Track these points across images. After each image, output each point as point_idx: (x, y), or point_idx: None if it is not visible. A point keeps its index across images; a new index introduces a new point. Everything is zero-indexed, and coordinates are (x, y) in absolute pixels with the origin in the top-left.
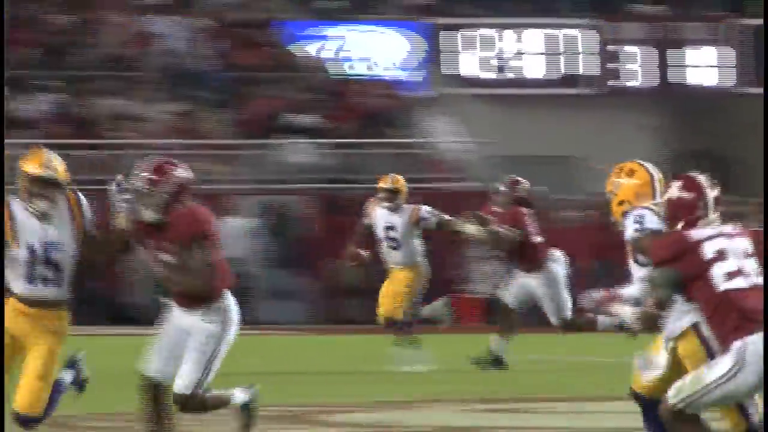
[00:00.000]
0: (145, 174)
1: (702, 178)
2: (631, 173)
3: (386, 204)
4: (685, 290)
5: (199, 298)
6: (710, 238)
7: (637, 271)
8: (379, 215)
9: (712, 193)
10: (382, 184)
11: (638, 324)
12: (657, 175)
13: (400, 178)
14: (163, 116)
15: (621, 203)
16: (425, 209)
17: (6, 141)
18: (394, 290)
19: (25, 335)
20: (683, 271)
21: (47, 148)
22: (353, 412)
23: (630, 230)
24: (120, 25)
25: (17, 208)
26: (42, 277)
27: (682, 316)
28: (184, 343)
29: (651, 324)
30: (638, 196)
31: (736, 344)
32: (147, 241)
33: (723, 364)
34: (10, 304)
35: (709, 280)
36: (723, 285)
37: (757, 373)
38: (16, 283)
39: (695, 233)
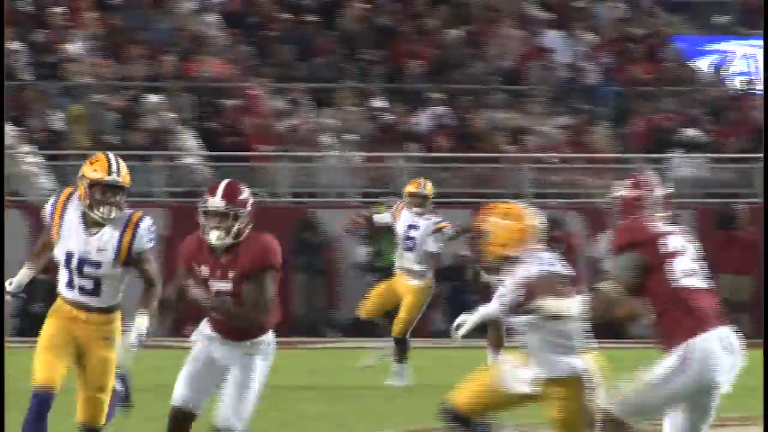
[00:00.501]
0: (228, 197)
1: (651, 178)
2: (508, 215)
3: (416, 209)
4: (643, 281)
5: (246, 332)
6: (669, 233)
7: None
8: (405, 217)
9: (658, 192)
10: (412, 189)
11: (591, 312)
12: (536, 222)
13: (430, 184)
14: (550, 130)
15: (501, 246)
16: (450, 227)
17: (394, 154)
18: (407, 308)
19: (82, 341)
20: (644, 258)
21: (432, 162)
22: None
23: (535, 268)
24: (509, 38)
25: (72, 209)
26: (80, 286)
27: (561, 356)
28: (218, 376)
29: (604, 310)
30: (515, 241)
31: (681, 346)
32: (202, 267)
33: (666, 362)
34: (58, 304)
35: (665, 273)
36: (680, 281)
37: (698, 379)
38: (61, 284)
39: (654, 226)
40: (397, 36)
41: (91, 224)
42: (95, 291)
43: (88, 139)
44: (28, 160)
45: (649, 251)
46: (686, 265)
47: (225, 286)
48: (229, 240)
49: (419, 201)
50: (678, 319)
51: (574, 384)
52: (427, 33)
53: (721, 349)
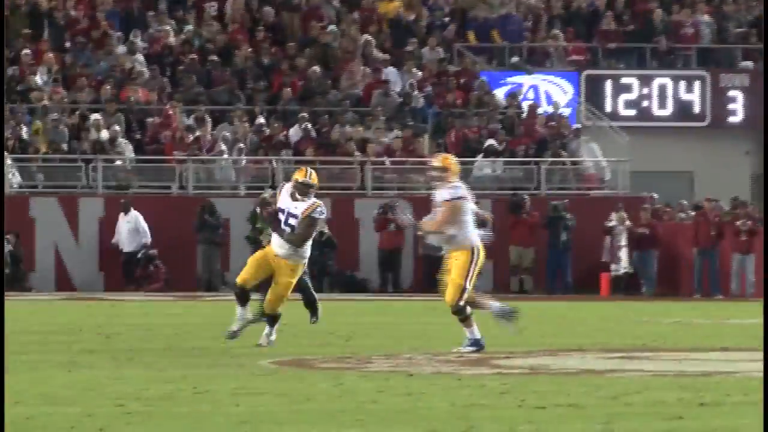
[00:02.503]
0: None
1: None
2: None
3: (300, 197)
4: None
5: None
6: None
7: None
8: (284, 201)
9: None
10: (300, 177)
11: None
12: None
13: (315, 174)
14: (387, 140)
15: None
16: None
17: (272, 158)
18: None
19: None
20: None
21: (298, 164)
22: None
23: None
24: (358, 73)
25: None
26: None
27: None
28: None
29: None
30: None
31: None
32: None
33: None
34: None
35: None
36: None
37: None
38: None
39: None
40: (275, 71)
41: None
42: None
43: (46, 147)
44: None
45: None
46: None
47: None
48: None
49: (304, 190)
50: None
51: None
52: (297, 69)
53: None
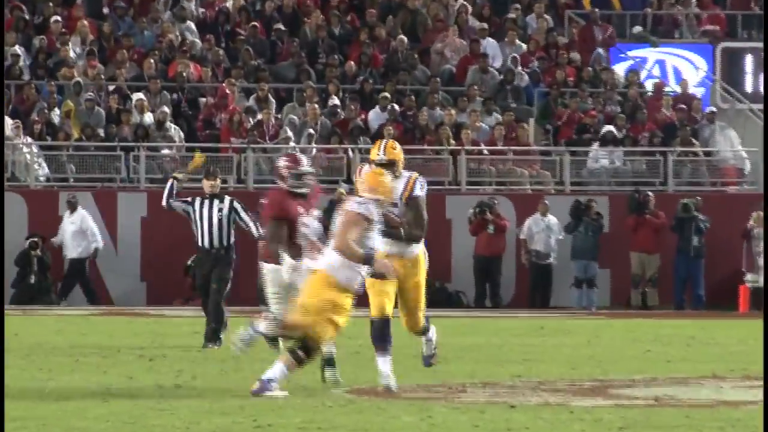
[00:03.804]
0: None
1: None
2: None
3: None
4: None
5: None
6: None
7: None
8: None
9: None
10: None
11: None
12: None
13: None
14: (484, 126)
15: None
16: None
17: (348, 146)
18: None
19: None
20: None
21: None
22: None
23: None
24: (450, 45)
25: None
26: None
27: None
28: None
29: None
30: None
31: None
32: None
33: None
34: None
35: None
36: None
37: None
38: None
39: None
40: (352, 43)
41: None
42: None
43: (79, 132)
44: (26, 150)
45: None
46: None
47: None
48: None
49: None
50: None
51: None
52: (378, 40)
53: None
